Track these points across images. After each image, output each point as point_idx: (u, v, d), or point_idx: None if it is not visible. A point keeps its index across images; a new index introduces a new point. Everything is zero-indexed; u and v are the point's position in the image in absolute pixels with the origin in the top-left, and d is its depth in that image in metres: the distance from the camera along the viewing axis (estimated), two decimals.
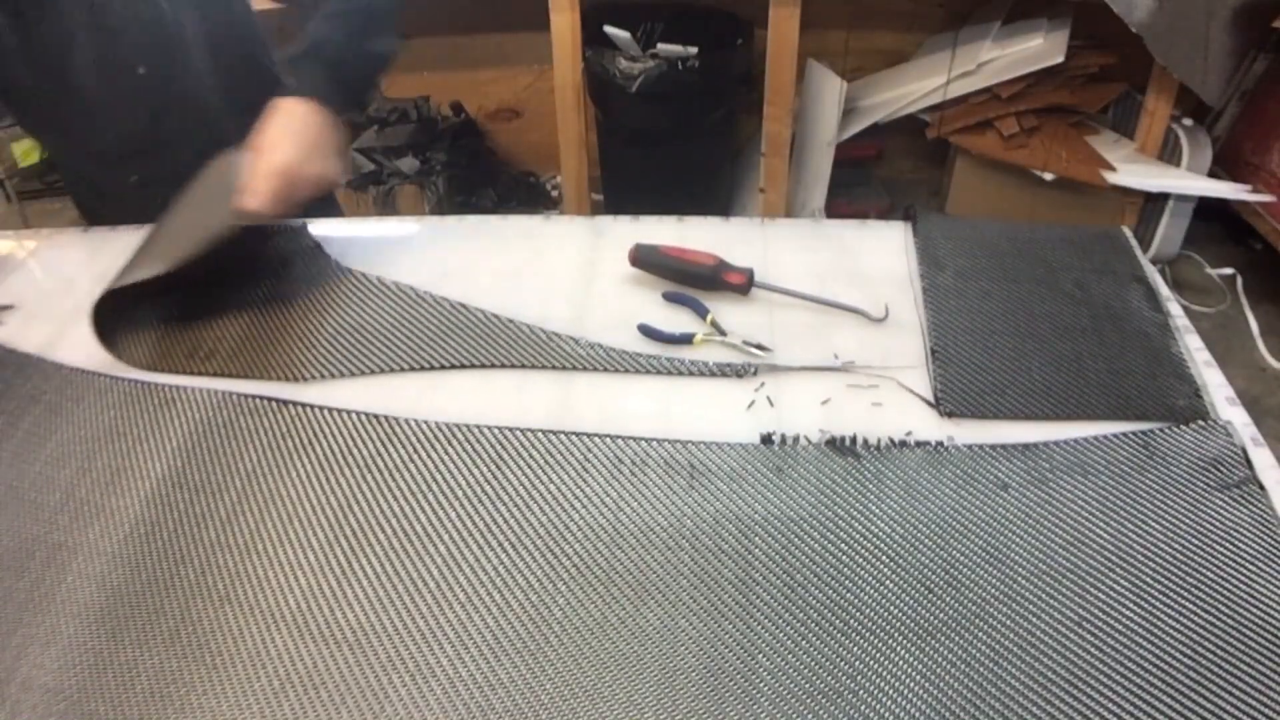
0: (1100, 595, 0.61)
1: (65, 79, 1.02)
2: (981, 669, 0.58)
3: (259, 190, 0.87)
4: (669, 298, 0.90)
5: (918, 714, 0.56)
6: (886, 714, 0.56)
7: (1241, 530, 0.64)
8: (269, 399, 0.80)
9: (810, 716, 0.56)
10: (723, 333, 0.84)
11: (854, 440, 0.73)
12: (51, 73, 1.02)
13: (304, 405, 0.79)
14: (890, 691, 0.57)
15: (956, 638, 0.59)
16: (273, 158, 0.88)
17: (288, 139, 0.90)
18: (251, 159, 0.89)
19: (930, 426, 0.75)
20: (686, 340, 0.84)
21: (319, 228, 1.03)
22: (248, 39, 1.16)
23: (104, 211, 1.19)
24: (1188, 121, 2.18)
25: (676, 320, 0.87)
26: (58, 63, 1.01)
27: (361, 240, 1.05)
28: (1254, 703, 0.55)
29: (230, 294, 0.94)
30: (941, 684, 0.57)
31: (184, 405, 0.80)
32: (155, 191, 1.13)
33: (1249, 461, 0.69)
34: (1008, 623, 0.60)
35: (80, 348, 0.89)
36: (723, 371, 0.81)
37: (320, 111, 0.92)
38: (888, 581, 0.63)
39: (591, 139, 2.33)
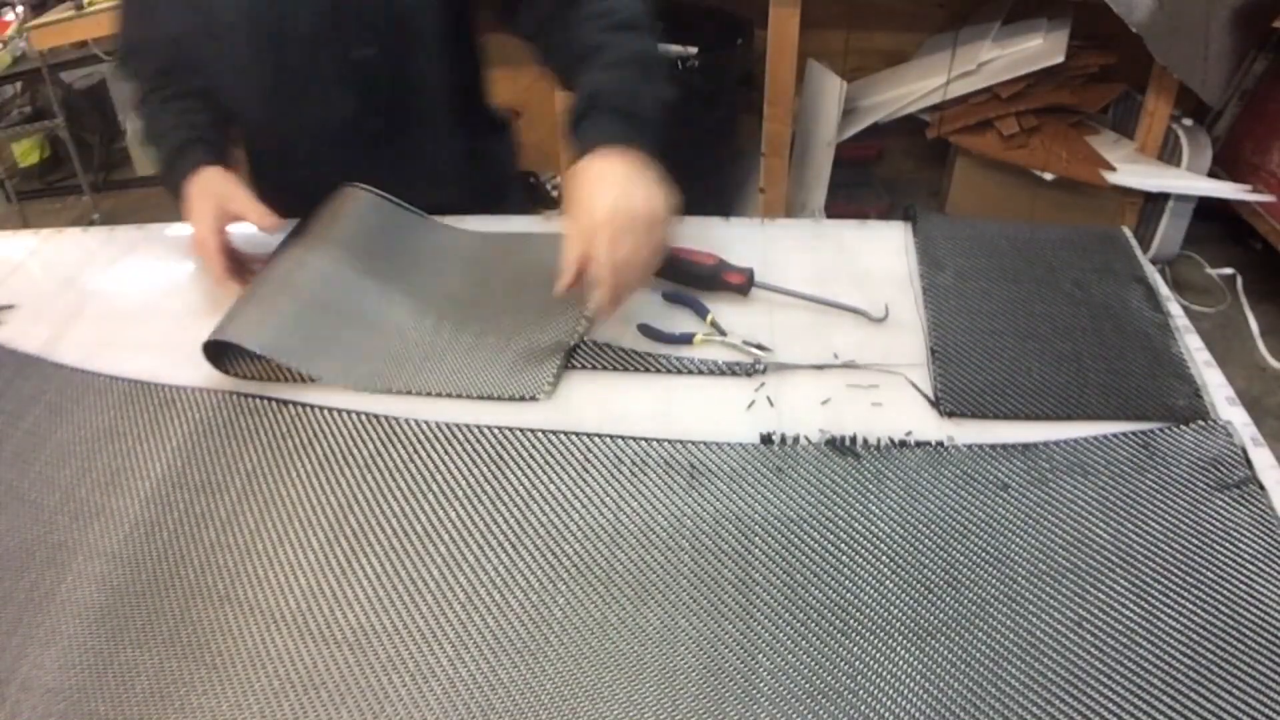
0: (1100, 595, 0.61)
1: (282, 53, 0.96)
2: (981, 669, 0.58)
3: (609, 293, 0.76)
4: (669, 298, 0.90)
5: (918, 714, 0.56)
6: (886, 714, 0.56)
7: (1241, 530, 0.64)
8: (269, 399, 0.80)
9: (810, 716, 0.56)
10: (723, 333, 0.84)
11: (854, 440, 0.73)
12: (270, 44, 0.96)
13: (304, 405, 0.79)
14: (890, 691, 0.57)
15: (956, 638, 0.59)
16: (615, 249, 0.75)
17: (621, 213, 0.76)
18: (580, 243, 0.77)
19: (930, 426, 0.75)
20: (686, 340, 0.84)
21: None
22: (473, 52, 1.10)
23: (284, 200, 1.06)
24: (1188, 121, 2.18)
25: (676, 320, 0.87)
26: (278, 36, 0.95)
27: None
28: (1254, 703, 0.55)
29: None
30: (941, 684, 0.57)
31: (184, 405, 0.80)
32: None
33: (1249, 461, 0.69)
34: (1008, 623, 0.60)
35: (80, 348, 0.89)
36: (723, 371, 0.81)
37: (638, 159, 0.81)
38: (888, 581, 0.63)
39: None
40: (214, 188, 0.92)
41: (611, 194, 0.77)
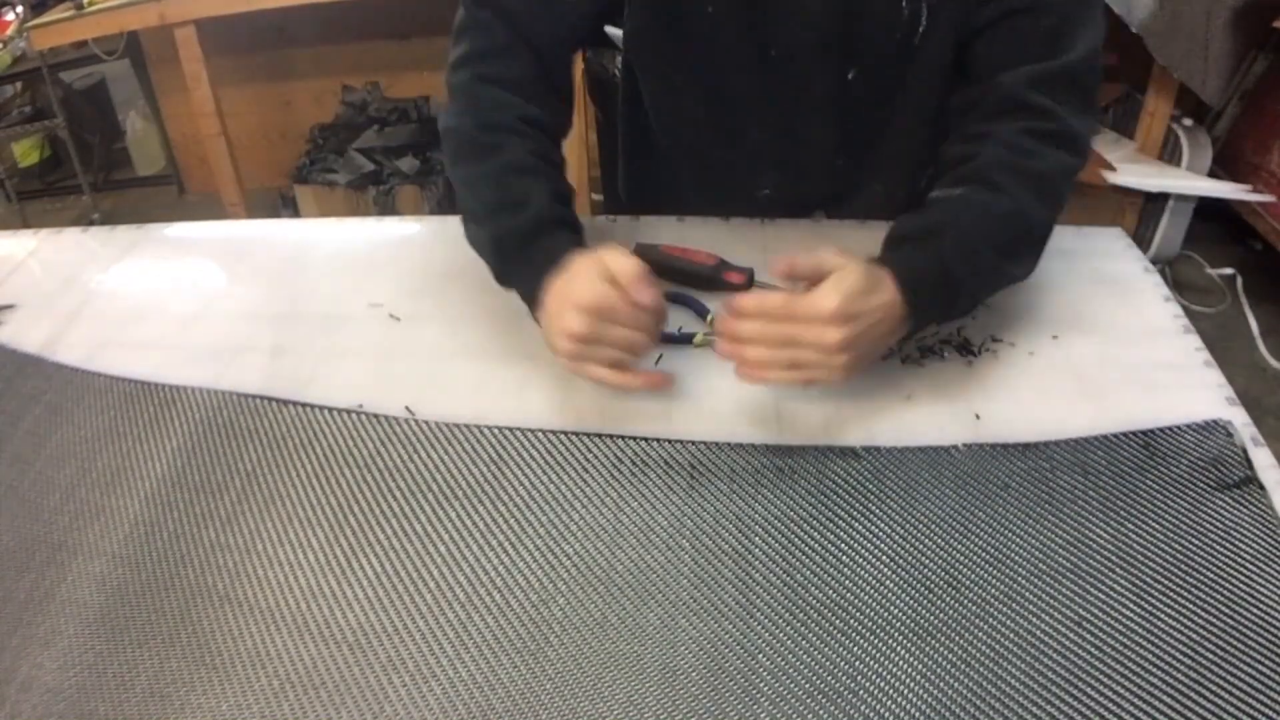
0: (1100, 595, 0.61)
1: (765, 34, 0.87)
2: (981, 669, 0.58)
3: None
4: (669, 298, 0.89)
5: (918, 714, 0.56)
6: (886, 714, 0.56)
7: (1241, 530, 0.64)
8: (269, 399, 0.80)
9: (810, 716, 0.56)
10: None
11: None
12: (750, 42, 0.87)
13: (304, 405, 0.79)
14: (890, 691, 0.57)
15: (956, 638, 0.59)
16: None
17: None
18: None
19: (931, 426, 0.74)
20: (686, 340, 0.84)
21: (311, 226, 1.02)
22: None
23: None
24: (1188, 121, 2.18)
25: (676, 320, 0.87)
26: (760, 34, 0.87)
27: (362, 240, 1.05)
28: (1254, 703, 0.55)
29: None
30: (941, 684, 0.57)
31: (184, 405, 0.80)
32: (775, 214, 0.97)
33: (1249, 461, 0.69)
34: (1008, 623, 0.60)
35: (80, 348, 0.89)
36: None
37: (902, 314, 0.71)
38: (888, 581, 0.63)
39: (591, 139, 2.33)
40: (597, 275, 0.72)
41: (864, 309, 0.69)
